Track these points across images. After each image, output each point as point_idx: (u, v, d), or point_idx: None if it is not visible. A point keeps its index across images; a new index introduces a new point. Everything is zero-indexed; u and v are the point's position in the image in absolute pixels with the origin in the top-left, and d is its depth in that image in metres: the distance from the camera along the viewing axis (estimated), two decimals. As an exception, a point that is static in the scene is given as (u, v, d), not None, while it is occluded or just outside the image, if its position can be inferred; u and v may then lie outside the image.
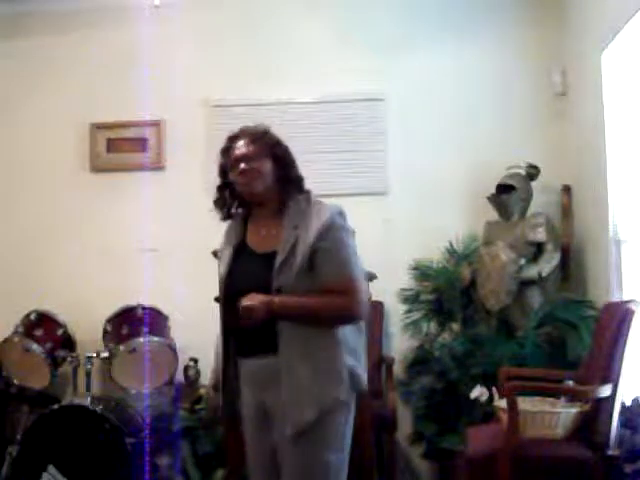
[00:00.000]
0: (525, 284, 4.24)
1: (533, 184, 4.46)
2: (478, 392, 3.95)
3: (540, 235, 4.31)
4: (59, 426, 3.94)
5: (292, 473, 2.34)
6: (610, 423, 3.15)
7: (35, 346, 4.29)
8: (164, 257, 4.64)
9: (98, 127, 4.94)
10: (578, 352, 3.91)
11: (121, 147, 4.97)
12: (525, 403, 3.29)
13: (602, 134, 3.98)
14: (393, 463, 4.34)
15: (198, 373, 4.40)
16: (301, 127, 4.64)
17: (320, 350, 2.35)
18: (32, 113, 4.98)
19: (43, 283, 4.78)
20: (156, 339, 4.31)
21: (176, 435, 4.18)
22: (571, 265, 4.47)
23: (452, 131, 4.79)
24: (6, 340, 4.33)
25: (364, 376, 2.44)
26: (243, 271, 2.47)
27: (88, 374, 4.23)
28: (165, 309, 4.51)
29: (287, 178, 2.51)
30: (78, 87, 4.95)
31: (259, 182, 2.46)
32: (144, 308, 4.42)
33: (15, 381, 4.31)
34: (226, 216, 2.61)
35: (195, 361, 4.45)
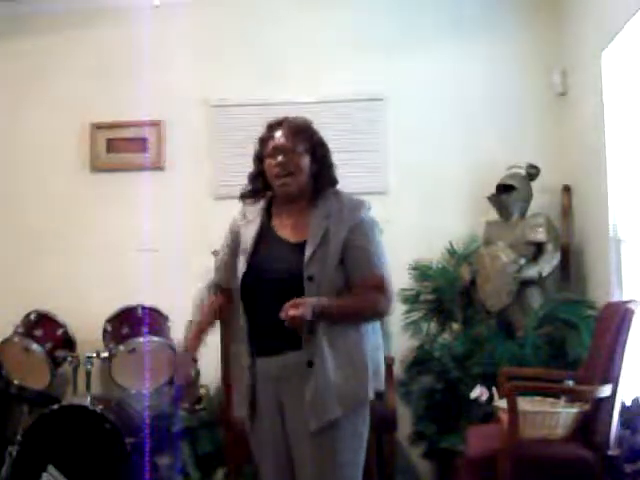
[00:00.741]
0: (525, 284, 4.25)
1: (533, 184, 4.46)
2: (478, 392, 3.95)
3: (540, 235, 4.31)
4: (59, 426, 3.93)
5: (310, 468, 2.31)
6: (610, 423, 3.15)
7: (35, 346, 4.29)
8: (164, 257, 4.64)
9: (98, 127, 4.94)
10: (578, 352, 3.91)
11: (121, 147, 4.96)
12: (525, 403, 3.29)
13: (602, 134, 3.98)
14: (393, 463, 4.34)
15: (198, 373, 4.39)
16: (301, 127, 4.64)
17: (346, 346, 2.34)
18: (32, 113, 4.98)
19: (43, 283, 4.79)
20: (156, 339, 4.30)
21: (176, 435, 4.18)
22: (571, 265, 4.47)
23: (452, 131, 4.79)
24: (6, 340, 4.33)
25: (383, 375, 2.45)
26: (270, 256, 2.41)
27: (88, 374, 4.23)
28: (165, 309, 4.51)
29: (322, 177, 2.47)
30: (78, 87, 4.95)
31: (294, 179, 2.41)
32: (144, 308, 4.42)
33: (15, 381, 4.31)
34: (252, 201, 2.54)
35: (195, 361, 4.45)
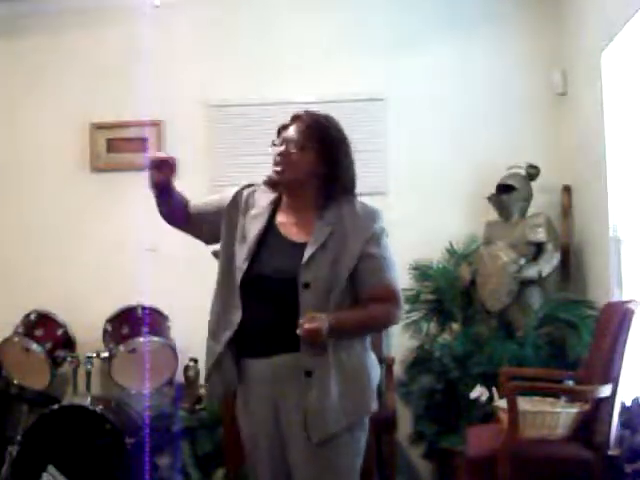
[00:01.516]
0: (525, 284, 4.25)
1: (533, 184, 4.47)
2: (478, 392, 3.96)
3: (540, 235, 4.32)
4: (59, 426, 3.94)
5: (308, 473, 2.30)
6: (610, 423, 3.15)
7: (35, 346, 4.29)
8: (164, 257, 4.63)
9: (98, 127, 4.95)
10: (578, 352, 3.91)
11: (121, 147, 4.97)
12: (525, 403, 3.29)
13: (602, 134, 3.98)
14: (393, 463, 4.33)
15: (198, 373, 4.40)
16: (301, 127, 4.64)
17: (350, 361, 2.31)
18: (32, 113, 4.99)
19: (43, 283, 4.79)
20: (156, 339, 4.31)
21: (176, 435, 4.17)
22: (571, 265, 4.47)
23: (452, 131, 4.79)
24: (6, 340, 4.33)
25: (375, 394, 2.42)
26: (271, 255, 2.38)
27: (88, 374, 4.24)
28: (165, 309, 4.51)
29: (333, 178, 2.44)
30: (78, 87, 4.95)
31: (286, 171, 2.38)
32: (144, 308, 4.42)
33: (15, 381, 4.32)
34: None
35: (195, 361, 4.45)
